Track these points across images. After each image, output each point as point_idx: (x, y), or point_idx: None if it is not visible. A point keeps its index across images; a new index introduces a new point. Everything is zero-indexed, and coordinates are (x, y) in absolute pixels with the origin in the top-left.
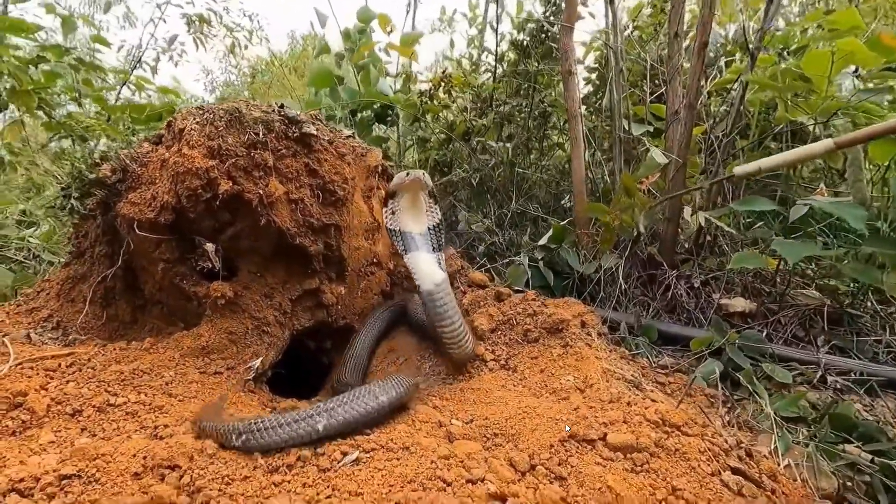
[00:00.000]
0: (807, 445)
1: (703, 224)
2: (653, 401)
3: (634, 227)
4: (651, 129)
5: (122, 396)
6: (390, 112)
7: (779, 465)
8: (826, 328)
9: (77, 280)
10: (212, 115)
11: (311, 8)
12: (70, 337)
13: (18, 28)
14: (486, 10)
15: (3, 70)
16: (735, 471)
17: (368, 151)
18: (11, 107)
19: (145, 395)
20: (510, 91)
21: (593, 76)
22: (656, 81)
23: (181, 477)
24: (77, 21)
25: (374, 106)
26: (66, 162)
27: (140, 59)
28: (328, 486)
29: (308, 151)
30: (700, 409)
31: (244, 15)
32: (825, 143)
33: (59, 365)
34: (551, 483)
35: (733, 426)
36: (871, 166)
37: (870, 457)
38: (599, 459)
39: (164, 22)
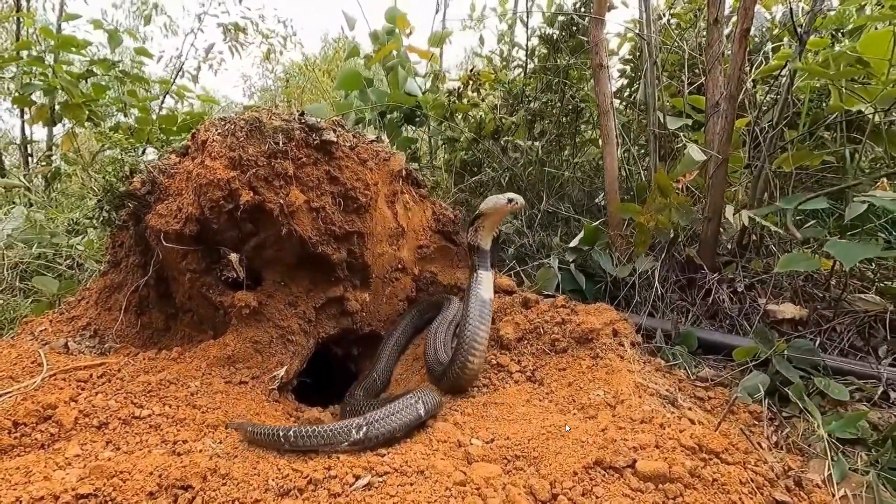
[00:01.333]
0: (866, 473)
1: (746, 224)
2: (690, 421)
3: (671, 229)
4: (690, 122)
5: (147, 408)
6: (419, 113)
7: (833, 496)
8: (889, 337)
9: (113, 289)
10: (233, 126)
11: (342, 11)
12: (106, 345)
13: (71, 44)
14: (515, 4)
15: (57, 85)
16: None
17: (392, 156)
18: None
19: (169, 407)
20: (541, 87)
21: (627, 68)
22: (696, 71)
23: (193, 498)
24: (122, 34)
25: (403, 107)
26: (98, 175)
27: (181, 69)
28: None
29: (329, 159)
30: (743, 430)
31: (279, 21)
32: None
33: (91, 375)
34: None
35: (781, 448)
36: None
37: None
38: (628, 490)
39: (203, 32)
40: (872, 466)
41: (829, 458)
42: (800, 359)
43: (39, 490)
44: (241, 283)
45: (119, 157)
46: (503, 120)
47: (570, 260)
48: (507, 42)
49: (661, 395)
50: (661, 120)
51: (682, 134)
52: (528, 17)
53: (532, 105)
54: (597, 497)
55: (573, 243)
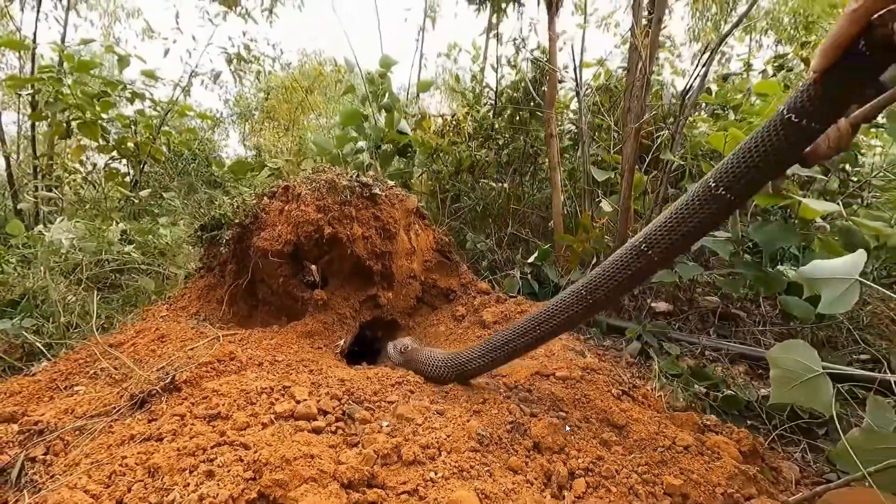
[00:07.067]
0: (673, 384)
1: None
2: (585, 359)
3: (593, 252)
4: (613, 174)
5: (281, 357)
6: (409, 148)
7: (653, 390)
8: (716, 322)
9: (211, 288)
10: (317, 184)
11: (317, 27)
12: (215, 326)
13: (87, 67)
14: (485, 48)
15: (72, 103)
16: (623, 391)
17: (407, 197)
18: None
19: (291, 358)
20: (507, 124)
21: (574, 129)
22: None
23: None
24: (130, 58)
25: (397, 143)
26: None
27: (186, 89)
28: None
29: (373, 204)
30: (613, 362)
31: (268, 44)
32: None
33: (237, 338)
34: (524, 392)
35: (638, 378)
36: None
37: (704, 390)
38: (549, 383)
39: (210, 59)
40: (675, 380)
41: (657, 377)
42: (658, 333)
43: (249, 384)
44: (316, 284)
45: (222, 197)
46: (477, 155)
47: (528, 271)
48: (479, 82)
49: (577, 350)
50: (591, 176)
51: (599, 190)
52: (497, 65)
53: (503, 151)
54: (536, 385)
55: (530, 260)
